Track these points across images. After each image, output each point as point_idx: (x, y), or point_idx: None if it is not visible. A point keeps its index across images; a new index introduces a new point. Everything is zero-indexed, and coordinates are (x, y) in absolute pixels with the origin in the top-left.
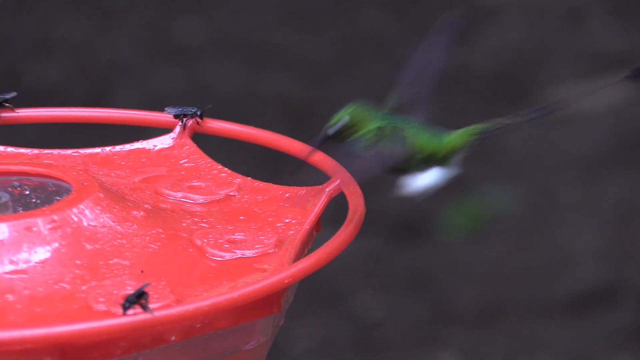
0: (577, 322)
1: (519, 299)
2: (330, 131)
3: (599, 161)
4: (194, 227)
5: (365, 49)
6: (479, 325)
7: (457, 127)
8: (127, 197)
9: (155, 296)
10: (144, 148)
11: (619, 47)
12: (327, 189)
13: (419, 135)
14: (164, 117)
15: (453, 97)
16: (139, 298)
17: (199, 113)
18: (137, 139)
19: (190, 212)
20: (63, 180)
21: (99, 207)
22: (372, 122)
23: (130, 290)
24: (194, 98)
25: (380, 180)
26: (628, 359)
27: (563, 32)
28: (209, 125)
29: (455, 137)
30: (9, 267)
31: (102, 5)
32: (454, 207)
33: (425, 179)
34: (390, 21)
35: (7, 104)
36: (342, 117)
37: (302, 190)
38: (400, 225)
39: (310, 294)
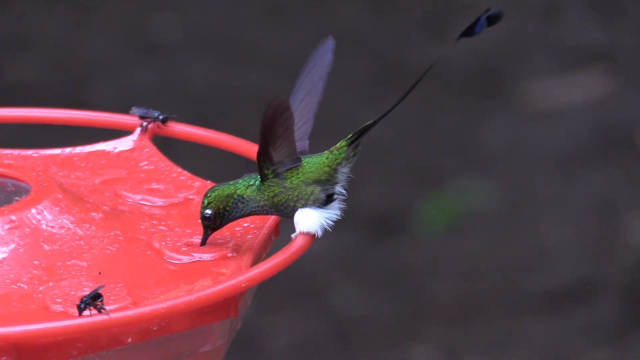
0: (554, 317)
1: (496, 294)
2: (205, 216)
3: (576, 156)
4: (153, 229)
5: (341, 44)
6: (456, 320)
7: (433, 120)
8: (86, 198)
9: (112, 298)
10: (104, 150)
11: (597, 41)
12: None
13: (296, 173)
14: (126, 119)
15: (430, 92)
16: (94, 299)
17: (161, 118)
18: (101, 139)
19: (149, 215)
20: (22, 181)
21: (57, 208)
22: (240, 186)
23: (87, 292)
24: (170, 94)
25: (355, 177)
26: (605, 354)
27: (541, 26)
28: (170, 128)
29: (326, 156)
30: None
31: (78, 1)
32: (431, 202)
33: (309, 219)
34: (367, 17)
35: None
36: (206, 208)
37: None
38: (378, 220)
39: (288, 290)
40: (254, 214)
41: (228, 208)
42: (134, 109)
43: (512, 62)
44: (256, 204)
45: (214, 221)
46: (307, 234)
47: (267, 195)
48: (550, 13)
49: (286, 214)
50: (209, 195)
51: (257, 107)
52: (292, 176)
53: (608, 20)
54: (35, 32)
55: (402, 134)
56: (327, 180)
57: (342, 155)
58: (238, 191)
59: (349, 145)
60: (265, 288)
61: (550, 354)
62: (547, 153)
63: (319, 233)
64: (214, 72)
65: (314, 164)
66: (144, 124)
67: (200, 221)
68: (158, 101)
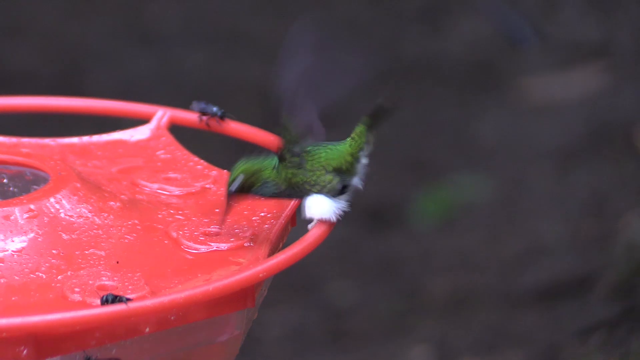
0: (547, 312)
1: (490, 289)
2: (232, 187)
3: (571, 151)
4: (170, 219)
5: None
6: (450, 314)
7: (430, 114)
8: (104, 187)
9: (130, 287)
10: (121, 139)
11: (593, 37)
12: None
13: (318, 155)
14: (141, 108)
15: (427, 86)
16: (117, 299)
17: (219, 113)
18: (113, 128)
19: (166, 204)
20: (41, 170)
21: (76, 197)
22: (267, 166)
23: (105, 281)
24: (167, 84)
25: None
26: (598, 350)
27: (538, 21)
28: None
29: (349, 144)
30: None
31: None
32: (426, 196)
33: (325, 207)
34: (364, 7)
35: None
36: (238, 175)
37: None
38: (373, 213)
39: (282, 282)
40: (271, 197)
41: (254, 186)
42: (194, 104)
43: (509, 57)
44: (275, 187)
45: (242, 186)
46: (324, 222)
47: (285, 177)
48: (547, 8)
49: (299, 196)
50: (238, 167)
51: (252, 97)
52: (313, 159)
53: (605, 16)
54: (31, 20)
55: (398, 128)
56: (347, 171)
57: (363, 140)
58: (266, 172)
59: (368, 129)
60: None
61: (543, 349)
62: (542, 148)
63: (333, 219)
64: (210, 62)
65: (337, 151)
66: (203, 118)
67: (224, 193)
68: (154, 91)
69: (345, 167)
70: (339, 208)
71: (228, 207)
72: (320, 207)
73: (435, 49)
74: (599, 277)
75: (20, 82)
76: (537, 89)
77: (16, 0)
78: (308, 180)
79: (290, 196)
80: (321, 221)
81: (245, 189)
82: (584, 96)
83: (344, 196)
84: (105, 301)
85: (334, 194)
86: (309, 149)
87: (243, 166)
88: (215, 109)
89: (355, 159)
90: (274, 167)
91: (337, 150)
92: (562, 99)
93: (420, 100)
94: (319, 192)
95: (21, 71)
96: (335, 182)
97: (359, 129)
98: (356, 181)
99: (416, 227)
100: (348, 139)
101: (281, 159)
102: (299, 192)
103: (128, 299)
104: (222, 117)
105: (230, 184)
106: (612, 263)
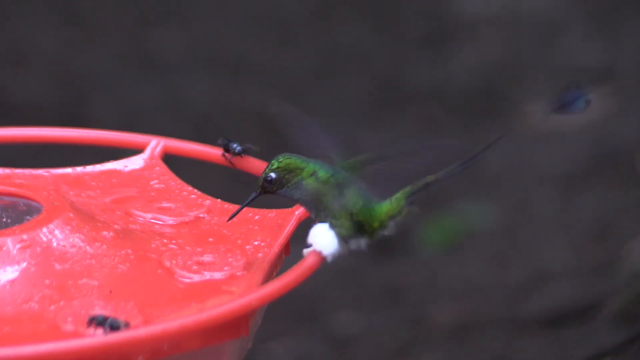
0: (553, 338)
1: (495, 316)
2: (269, 177)
3: (575, 178)
4: (163, 248)
5: (342, 62)
6: (455, 341)
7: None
8: (97, 217)
9: (124, 316)
10: (115, 169)
11: (598, 62)
12: (296, 212)
13: (356, 200)
14: (134, 137)
15: (430, 112)
16: (109, 326)
17: (237, 149)
18: (109, 158)
19: (159, 233)
20: (34, 200)
21: (69, 227)
22: (308, 169)
23: (98, 311)
24: (171, 112)
25: None
26: None
27: (541, 47)
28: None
29: (387, 206)
30: None
31: (77, 16)
32: (430, 223)
33: (330, 243)
34: (368, 35)
35: None
36: (277, 167)
37: (271, 213)
38: (378, 241)
39: (287, 311)
40: (297, 202)
41: (289, 184)
42: (220, 141)
43: (513, 83)
44: (305, 194)
45: (272, 186)
46: (318, 254)
47: (317, 191)
48: (551, 34)
49: (315, 214)
50: (280, 160)
51: (257, 124)
52: (349, 200)
53: (609, 41)
54: (33, 49)
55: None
56: (366, 230)
57: (399, 207)
58: (305, 174)
59: (405, 198)
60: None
61: None
62: (546, 174)
63: (329, 259)
64: (214, 89)
65: (373, 208)
66: (226, 155)
67: (260, 181)
68: (158, 119)
69: (367, 227)
70: (338, 252)
71: (251, 199)
72: (326, 241)
73: (438, 76)
74: (604, 303)
75: (23, 112)
76: (541, 115)
77: (18, 29)
78: (332, 210)
79: (308, 208)
80: (316, 252)
81: (278, 184)
82: (588, 122)
83: (347, 245)
84: (96, 323)
85: (342, 237)
86: (354, 189)
87: (286, 160)
88: (235, 144)
89: (383, 225)
90: (312, 174)
91: (373, 208)
92: (566, 125)
93: (424, 127)
94: (333, 227)
95: (24, 101)
96: (350, 231)
97: (400, 195)
98: (364, 243)
99: (421, 254)
100: (387, 201)
101: (329, 175)
102: (316, 210)
103: (123, 325)
104: (239, 153)
105: (266, 173)
106: (617, 289)
